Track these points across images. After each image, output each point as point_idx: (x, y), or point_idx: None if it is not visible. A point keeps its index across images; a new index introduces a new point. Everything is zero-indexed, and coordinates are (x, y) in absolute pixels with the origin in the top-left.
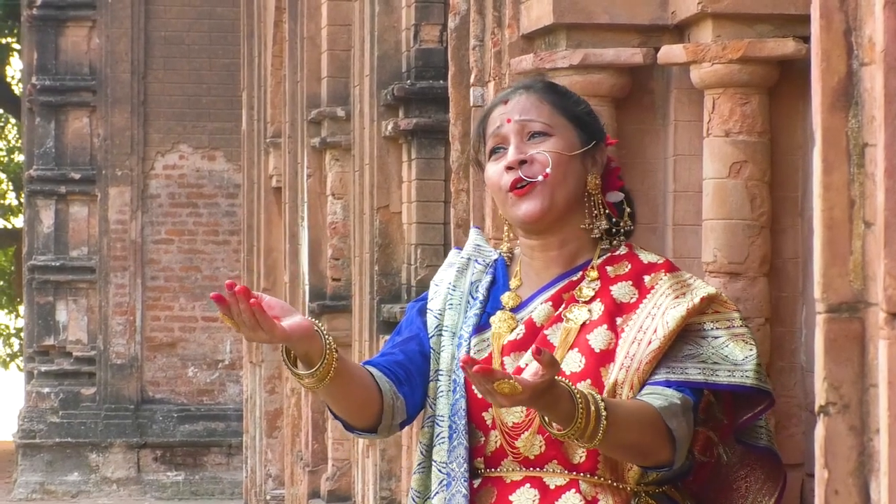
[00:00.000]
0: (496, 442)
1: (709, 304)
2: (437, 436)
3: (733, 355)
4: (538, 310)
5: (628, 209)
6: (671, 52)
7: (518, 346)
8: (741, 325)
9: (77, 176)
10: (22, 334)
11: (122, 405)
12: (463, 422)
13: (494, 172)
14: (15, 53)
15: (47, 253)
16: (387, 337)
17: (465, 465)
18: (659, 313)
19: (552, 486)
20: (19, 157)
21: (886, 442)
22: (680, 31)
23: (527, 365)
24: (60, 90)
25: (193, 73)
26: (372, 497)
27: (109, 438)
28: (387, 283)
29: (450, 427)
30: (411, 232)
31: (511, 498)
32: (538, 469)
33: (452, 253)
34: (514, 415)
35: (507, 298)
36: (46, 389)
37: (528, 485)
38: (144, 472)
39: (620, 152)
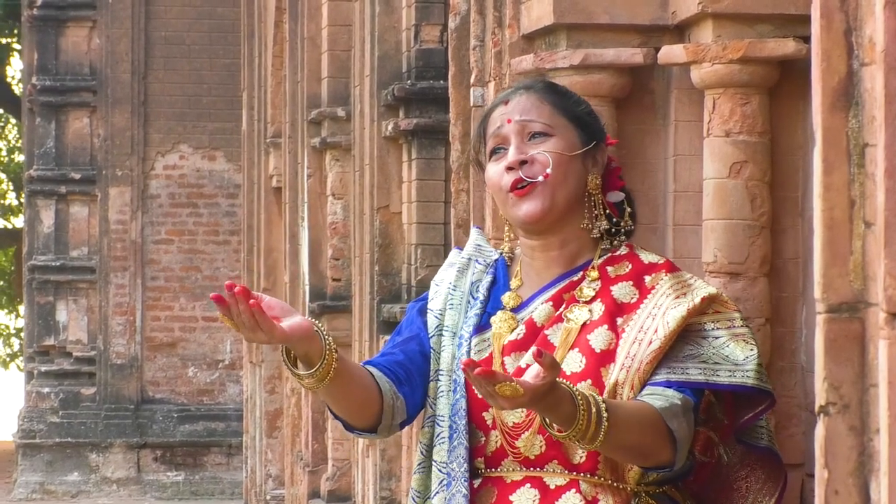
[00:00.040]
0: (496, 442)
1: (709, 305)
2: (438, 436)
3: (734, 355)
4: (539, 310)
5: (629, 209)
6: (671, 53)
7: (518, 346)
8: (742, 326)
9: (77, 176)
10: (22, 334)
11: (122, 405)
12: (463, 422)
13: (495, 173)
14: (15, 53)
15: (47, 253)
16: (387, 337)
17: (466, 465)
18: (660, 313)
19: (552, 486)
20: (19, 157)
21: (886, 442)
22: (680, 32)
23: (527, 365)
24: (61, 90)
25: (194, 74)
26: (372, 497)
27: (109, 438)
28: (387, 283)
29: (450, 427)
30: (411, 232)
31: (511, 498)
32: (538, 469)
33: (453, 253)
34: (515, 415)
35: (507, 298)
36: (46, 389)
37: (528, 485)
38: (144, 472)
39: (621, 152)
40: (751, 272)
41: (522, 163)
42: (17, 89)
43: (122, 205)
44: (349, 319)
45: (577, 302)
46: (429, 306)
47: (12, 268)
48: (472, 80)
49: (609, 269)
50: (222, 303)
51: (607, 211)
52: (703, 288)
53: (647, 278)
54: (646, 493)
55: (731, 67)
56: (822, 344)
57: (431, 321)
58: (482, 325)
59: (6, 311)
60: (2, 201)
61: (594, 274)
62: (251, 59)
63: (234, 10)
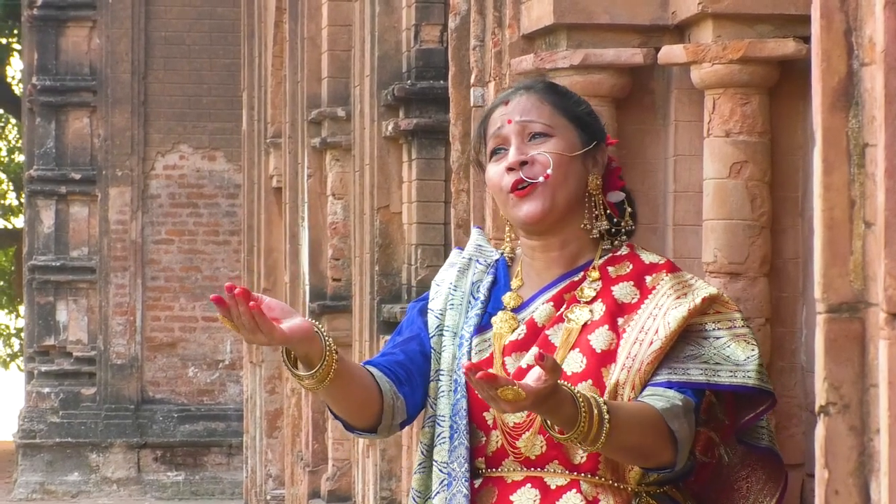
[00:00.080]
0: (497, 442)
1: (710, 305)
2: (438, 436)
3: (735, 356)
4: (539, 310)
5: (629, 209)
6: (671, 53)
7: (519, 347)
8: (743, 326)
9: (77, 176)
10: (22, 334)
11: (123, 405)
12: (464, 422)
13: (495, 173)
14: (15, 53)
15: (48, 253)
16: (387, 337)
17: (466, 465)
18: (660, 314)
19: (553, 487)
20: (19, 158)
21: (886, 442)
22: (680, 32)
23: (528, 366)
24: (61, 90)
25: (194, 74)
26: (372, 497)
27: (109, 438)
28: (387, 283)
29: (451, 427)
30: (411, 232)
31: (512, 498)
32: (539, 469)
33: (454, 253)
34: (515, 415)
35: (508, 299)
36: (47, 389)
37: (528, 485)
38: (145, 472)
39: (621, 152)
40: (751, 272)
41: (523, 163)
42: (17, 89)
43: (122, 205)
44: (349, 319)
45: (578, 302)
46: (429, 306)
47: (12, 268)
48: (472, 80)
49: (610, 269)
50: (222, 304)
51: (608, 211)
52: (703, 288)
53: (648, 278)
54: (646, 494)
55: (731, 67)
56: (822, 344)
57: (432, 321)
58: (483, 326)
59: (6, 311)
60: (2, 201)
61: (595, 274)
62: (251, 59)
63: (234, 10)
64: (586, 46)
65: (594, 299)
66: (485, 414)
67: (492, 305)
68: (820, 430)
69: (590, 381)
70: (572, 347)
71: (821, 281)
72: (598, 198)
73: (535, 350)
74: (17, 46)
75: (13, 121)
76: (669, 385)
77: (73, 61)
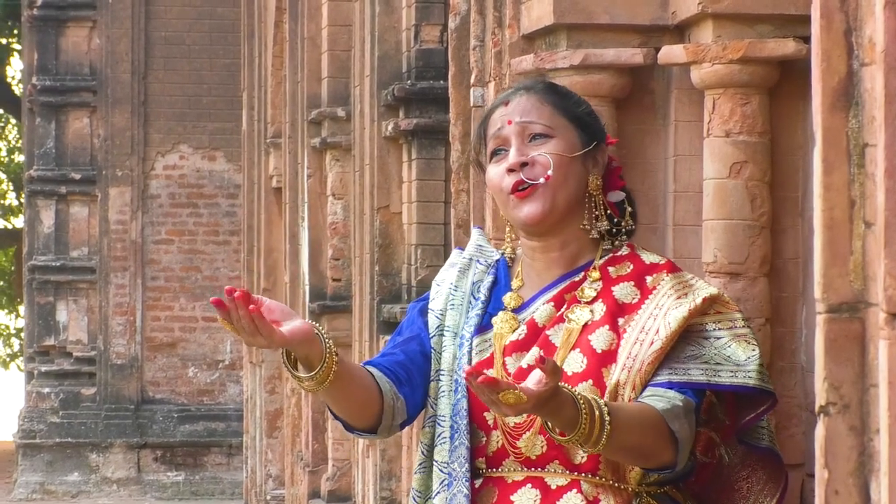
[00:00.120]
0: (498, 442)
1: (711, 305)
2: (439, 436)
3: (736, 356)
4: (540, 310)
5: (629, 209)
6: (671, 53)
7: (520, 347)
8: (743, 326)
9: (77, 176)
10: (22, 334)
11: (123, 405)
12: (464, 422)
13: (496, 174)
14: (15, 53)
15: (47, 253)
16: (387, 337)
17: (467, 465)
18: (661, 314)
19: (553, 487)
20: (19, 158)
21: (886, 442)
22: (680, 32)
23: (529, 366)
24: (61, 90)
25: (194, 74)
26: (372, 497)
27: (110, 438)
28: (387, 283)
29: (451, 427)
30: (411, 232)
31: (512, 498)
32: (540, 469)
33: (454, 253)
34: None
35: (508, 299)
36: (47, 389)
37: (529, 485)
38: (145, 473)
39: (621, 152)
40: (751, 272)
41: (523, 165)
42: (17, 89)
43: (122, 205)
44: (349, 319)
45: (579, 302)
46: (430, 306)
47: (12, 268)
48: (472, 81)
49: (610, 269)
50: (222, 307)
51: (608, 211)
52: (704, 288)
53: (649, 279)
54: (647, 494)
55: (731, 67)
56: (822, 344)
57: (432, 321)
58: (483, 326)
59: (6, 311)
60: (2, 201)
61: (595, 274)
62: (251, 59)
63: (234, 10)
64: (586, 46)
65: (595, 299)
66: (485, 414)
67: (492, 306)
68: (820, 430)
69: (590, 382)
70: (573, 348)
71: (821, 281)
72: (599, 198)
73: (535, 351)
74: (17, 46)
75: (13, 121)
76: (670, 385)
77: (73, 61)
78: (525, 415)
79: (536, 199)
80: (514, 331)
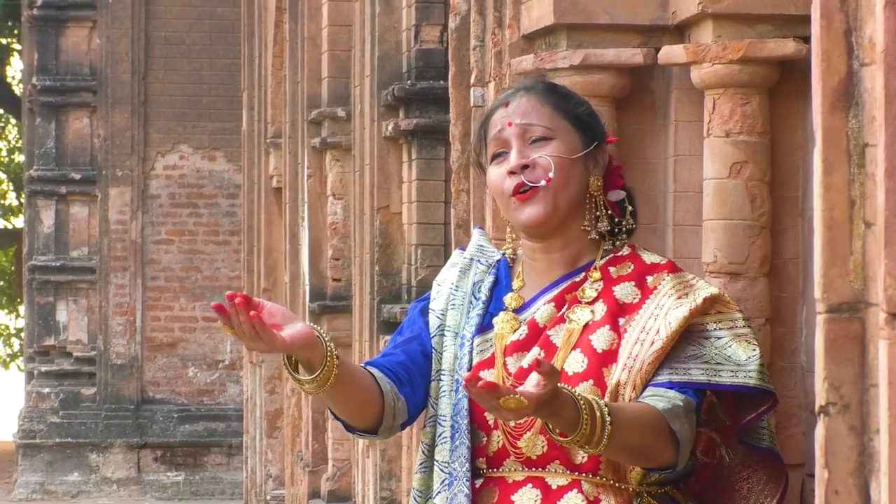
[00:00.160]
0: (498, 442)
1: (711, 305)
2: (440, 435)
3: (736, 356)
4: (541, 310)
5: (630, 207)
6: (671, 53)
7: (521, 347)
8: (744, 326)
9: (77, 176)
10: (22, 334)
11: (123, 405)
12: (465, 421)
13: (497, 176)
14: (15, 53)
15: (48, 253)
16: (387, 337)
17: (468, 465)
18: (661, 314)
19: (554, 487)
20: (20, 158)
21: (886, 442)
22: (680, 32)
23: (529, 366)
24: (61, 90)
25: (194, 74)
26: (372, 497)
27: (109, 438)
28: (387, 283)
29: (452, 427)
30: (412, 232)
31: (513, 498)
32: (540, 469)
33: (455, 253)
34: None
35: (509, 299)
36: (47, 389)
37: (530, 485)
38: (145, 473)
39: (621, 152)
40: (751, 272)
41: (524, 167)
42: (17, 89)
43: (122, 205)
44: (349, 319)
45: (580, 302)
46: (431, 306)
47: (12, 268)
48: (472, 81)
49: (611, 269)
50: (223, 312)
51: (609, 211)
52: (705, 288)
53: (650, 279)
54: (648, 494)
55: (731, 67)
56: (822, 344)
57: (433, 321)
58: (484, 326)
59: (6, 311)
60: (2, 201)
61: (596, 275)
62: (251, 59)
63: (234, 10)
64: (586, 46)
65: (595, 300)
66: (486, 414)
67: (493, 306)
68: (820, 430)
69: (591, 382)
70: (573, 348)
71: (821, 281)
72: (600, 198)
73: (536, 351)
74: (17, 46)
75: (13, 121)
76: (670, 385)
77: (73, 61)
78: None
79: (538, 201)
80: (514, 331)
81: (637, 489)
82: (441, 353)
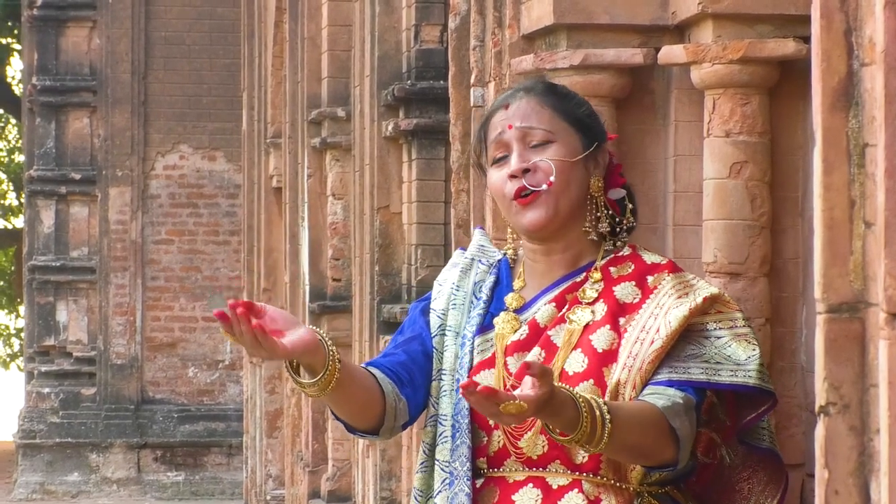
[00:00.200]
0: (499, 442)
1: (711, 305)
2: (441, 435)
3: (736, 355)
4: (542, 311)
5: (630, 205)
6: (671, 53)
7: (521, 347)
8: (744, 326)
9: (77, 176)
10: (22, 334)
11: (123, 405)
12: (466, 421)
13: (498, 179)
14: (15, 54)
15: (48, 253)
16: (387, 337)
17: (468, 465)
18: (662, 313)
19: (555, 486)
20: (19, 158)
21: (886, 442)
22: (680, 32)
23: (519, 370)
24: (61, 90)
25: (194, 74)
26: (372, 497)
27: (110, 439)
28: (387, 283)
29: (453, 426)
30: (412, 232)
31: (514, 497)
32: (541, 469)
33: (457, 253)
34: None
35: (510, 299)
36: (47, 389)
37: (530, 484)
38: (145, 473)
39: (621, 152)
40: (751, 272)
41: (525, 171)
42: (17, 89)
43: (122, 205)
44: (349, 320)
45: (580, 303)
46: (432, 306)
47: (12, 268)
48: (472, 81)
49: (612, 269)
50: (225, 319)
51: (610, 211)
52: (705, 288)
53: (650, 278)
54: (648, 494)
55: (731, 68)
56: (822, 344)
57: (434, 321)
58: (485, 326)
59: (6, 311)
60: (2, 201)
61: (597, 275)
62: (251, 59)
63: (234, 10)
64: (586, 46)
65: (596, 300)
66: None
67: (494, 306)
68: (820, 430)
69: (591, 381)
70: (574, 348)
71: (821, 281)
72: (601, 199)
73: (536, 351)
74: (17, 46)
75: (13, 121)
76: (670, 384)
77: (73, 61)
78: None
79: (539, 205)
80: (515, 331)
81: (638, 489)
82: (442, 353)
